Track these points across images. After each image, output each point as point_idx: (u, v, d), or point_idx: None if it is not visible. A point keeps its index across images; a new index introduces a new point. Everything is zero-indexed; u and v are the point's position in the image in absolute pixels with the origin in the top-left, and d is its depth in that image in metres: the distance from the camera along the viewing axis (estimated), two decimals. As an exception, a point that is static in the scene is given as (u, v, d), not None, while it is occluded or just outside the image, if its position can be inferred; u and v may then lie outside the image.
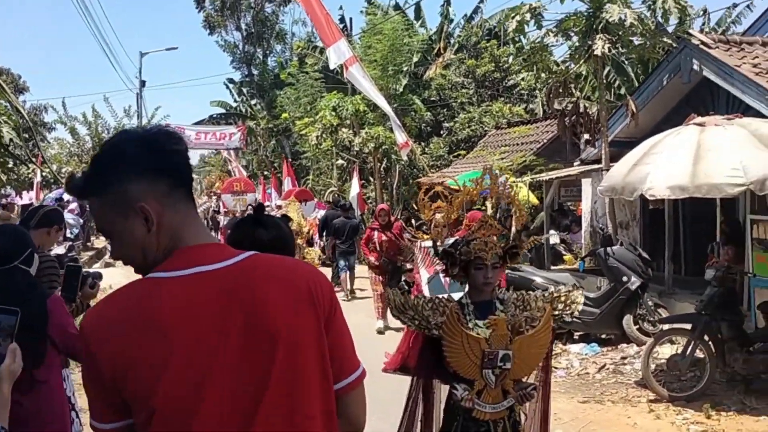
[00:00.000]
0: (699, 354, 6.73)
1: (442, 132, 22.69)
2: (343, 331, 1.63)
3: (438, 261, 7.24)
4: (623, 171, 7.08)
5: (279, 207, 18.33)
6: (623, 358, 8.08)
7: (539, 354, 3.34)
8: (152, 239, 1.50)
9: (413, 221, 20.29)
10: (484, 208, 11.40)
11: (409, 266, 10.12)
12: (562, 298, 3.43)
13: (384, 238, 10.16)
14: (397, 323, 9.87)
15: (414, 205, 21.57)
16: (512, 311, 3.34)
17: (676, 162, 6.50)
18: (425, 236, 7.34)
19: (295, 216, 10.04)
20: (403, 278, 9.92)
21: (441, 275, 6.86)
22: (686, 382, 6.94)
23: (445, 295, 3.56)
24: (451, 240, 7.57)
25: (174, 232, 1.51)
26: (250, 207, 20.83)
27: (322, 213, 16.82)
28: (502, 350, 3.17)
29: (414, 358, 7.22)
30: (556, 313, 3.41)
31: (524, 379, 3.38)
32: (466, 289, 3.53)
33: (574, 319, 6.52)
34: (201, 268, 1.47)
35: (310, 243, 11.17)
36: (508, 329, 3.21)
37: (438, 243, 3.66)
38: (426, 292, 7.03)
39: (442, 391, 3.49)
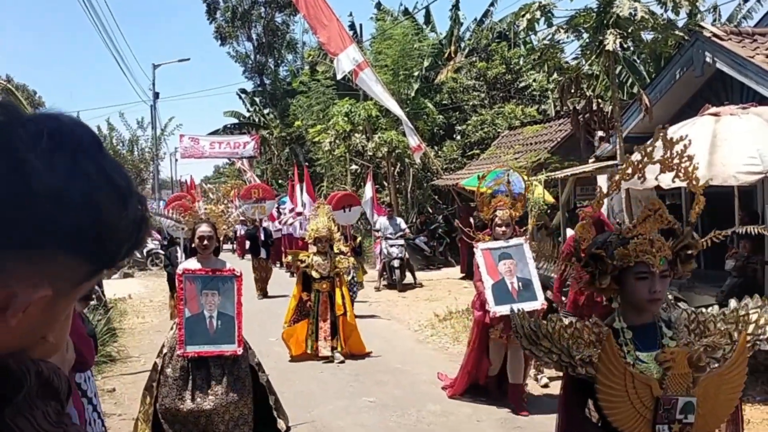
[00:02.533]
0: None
1: (455, 135, 22.71)
2: None
3: (505, 263, 6.35)
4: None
5: (300, 213, 18.06)
6: (644, 352, 8.03)
7: (731, 400, 2.37)
8: None
9: (425, 224, 20.32)
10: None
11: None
12: (752, 317, 2.47)
13: None
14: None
15: (429, 209, 21.67)
16: (686, 337, 2.42)
17: (692, 152, 6.45)
18: (487, 237, 6.69)
19: (324, 221, 8.88)
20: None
21: (507, 280, 6.30)
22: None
23: (571, 320, 2.49)
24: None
25: None
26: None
27: (383, 219, 15.62)
28: (683, 397, 2.28)
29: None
30: (749, 338, 2.42)
31: None
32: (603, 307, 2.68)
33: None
34: None
35: (357, 252, 9.92)
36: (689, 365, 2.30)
37: (582, 242, 2.50)
38: (491, 301, 6.20)
39: None
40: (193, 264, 5.49)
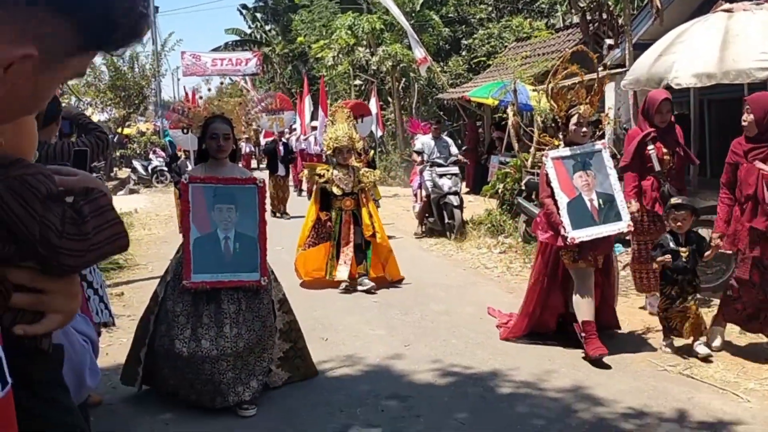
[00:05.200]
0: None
1: (461, 50, 22.28)
2: None
3: (581, 176, 4.97)
4: (649, 62, 6.90)
5: (314, 128, 17.07)
6: (647, 257, 8.07)
7: None
8: None
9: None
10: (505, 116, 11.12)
11: None
12: None
13: (665, 151, 5.94)
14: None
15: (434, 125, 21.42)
16: None
17: (703, 49, 6.31)
18: (557, 141, 5.33)
19: (344, 128, 7.42)
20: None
21: (585, 196, 5.10)
22: (711, 275, 6.92)
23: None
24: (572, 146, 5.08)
25: None
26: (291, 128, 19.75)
27: (426, 139, 11.43)
28: None
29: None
30: None
31: None
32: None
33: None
34: None
35: (371, 166, 9.18)
36: None
37: None
38: (567, 225, 4.98)
39: None
40: (203, 171, 4.41)
